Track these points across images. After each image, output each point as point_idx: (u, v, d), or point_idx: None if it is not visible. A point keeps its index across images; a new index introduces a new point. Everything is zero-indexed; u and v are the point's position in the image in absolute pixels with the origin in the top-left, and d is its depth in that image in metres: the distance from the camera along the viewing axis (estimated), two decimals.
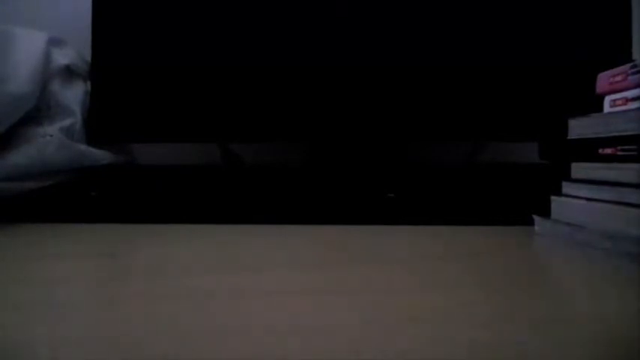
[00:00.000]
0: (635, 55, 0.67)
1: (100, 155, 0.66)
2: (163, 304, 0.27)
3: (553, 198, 0.50)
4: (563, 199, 0.49)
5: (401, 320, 0.24)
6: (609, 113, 0.46)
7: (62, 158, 0.62)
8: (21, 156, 0.59)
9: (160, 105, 0.69)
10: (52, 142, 0.61)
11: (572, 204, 0.47)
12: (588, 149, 0.47)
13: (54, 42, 0.68)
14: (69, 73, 0.69)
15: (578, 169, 0.48)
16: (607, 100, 0.46)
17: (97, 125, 0.68)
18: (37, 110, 0.63)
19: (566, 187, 0.49)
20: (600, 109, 0.47)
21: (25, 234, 0.51)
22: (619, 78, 0.45)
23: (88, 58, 0.70)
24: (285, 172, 0.67)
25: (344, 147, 0.73)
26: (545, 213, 0.50)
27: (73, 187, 0.64)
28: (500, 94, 0.66)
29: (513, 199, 0.59)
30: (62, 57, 0.68)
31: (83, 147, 0.64)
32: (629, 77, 0.43)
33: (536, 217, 0.51)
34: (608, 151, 0.44)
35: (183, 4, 0.69)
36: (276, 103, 0.68)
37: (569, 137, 0.50)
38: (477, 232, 0.51)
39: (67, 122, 0.64)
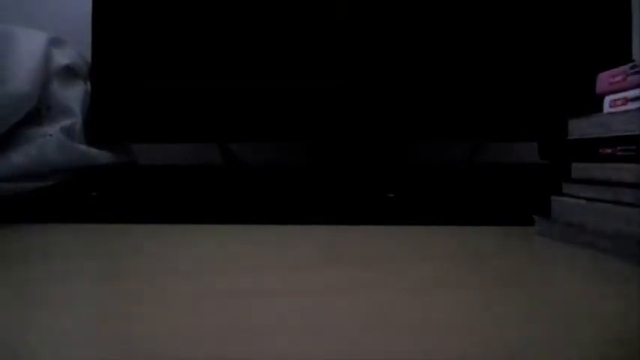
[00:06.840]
0: (635, 55, 0.67)
1: (100, 155, 0.66)
2: (162, 303, 0.27)
3: (553, 198, 0.50)
4: (563, 199, 0.49)
5: (401, 320, 0.24)
6: (609, 113, 0.46)
7: (62, 158, 0.62)
8: (21, 156, 0.59)
9: (160, 105, 0.69)
10: (52, 142, 0.61)
11: (572, 204, 0.47)
12: (588, 149, 0.47)
13: (54, 42, 0.68)
14: (69, 73, 0.69)
15: (578, 169, 0.48)
16: (607, 100, 0.46)
17: (97, 125, 0.68)
18: (37, 110, 0.63)
19: (566, 187, 0.49)
20: (600, 109, 0.47)
21: (25, 234, 0.51)
22: (619, 78, 0.45)
23: (88, 58, 0.70)
24: (284, 173, 0.67)
25: (344, 147, 0.73)
26: (545, 213, 0.50)
27: (73, 187, 0.64)
28: (500, 93, 0.66)
29: (513, 199, 0.59)
30: (62, 57, 0.68)
31: (83, 147, 0.64)
32: (629, 77, 0.43)
33: (536, 217, 0.51)
34: (608, 151, 0.44)
35: (183, 4, 0.69)
36: (276, 103, 0.68)
37: (569, 137, 0.50)
38: (477, 232, 0.51)
39: (67, 122, 0.64)
